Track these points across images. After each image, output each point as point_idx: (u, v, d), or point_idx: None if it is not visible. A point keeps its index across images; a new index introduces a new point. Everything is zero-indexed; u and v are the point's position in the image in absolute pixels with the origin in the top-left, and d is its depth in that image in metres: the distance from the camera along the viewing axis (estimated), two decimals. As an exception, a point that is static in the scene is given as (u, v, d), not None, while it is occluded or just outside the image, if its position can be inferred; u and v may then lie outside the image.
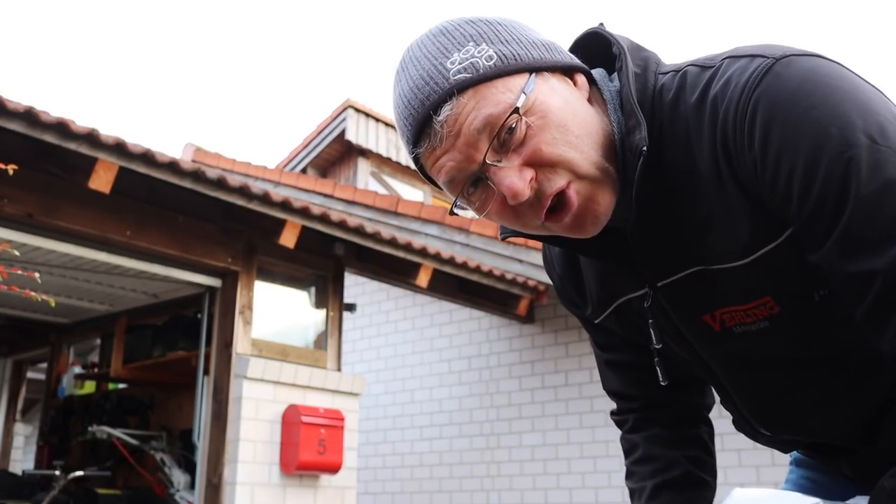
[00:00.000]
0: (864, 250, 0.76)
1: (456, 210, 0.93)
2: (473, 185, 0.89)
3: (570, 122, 0.88)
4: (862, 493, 1.09)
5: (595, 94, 0.96)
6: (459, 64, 0.86)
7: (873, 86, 0.84)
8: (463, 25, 0.90)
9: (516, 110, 0.85)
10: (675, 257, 0.95)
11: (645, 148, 0.87)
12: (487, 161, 0.86)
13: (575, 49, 1.01)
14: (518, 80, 0.87)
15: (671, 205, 0.92)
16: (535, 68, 0.88)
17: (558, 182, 0.87)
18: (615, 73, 0.97)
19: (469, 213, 0.94)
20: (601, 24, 1.01)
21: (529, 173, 0.86)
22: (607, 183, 0.90)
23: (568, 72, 0.93)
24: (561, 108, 0.88)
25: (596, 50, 1.00)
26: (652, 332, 1.02)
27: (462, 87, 0.85)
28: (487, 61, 0.86)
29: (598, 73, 0.99)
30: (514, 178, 0.86)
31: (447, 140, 0.86)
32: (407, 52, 0.92)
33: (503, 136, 0.86)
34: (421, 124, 0.87)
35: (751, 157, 0.83)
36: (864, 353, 0.92)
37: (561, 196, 0.88)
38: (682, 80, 0.91)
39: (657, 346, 1.02)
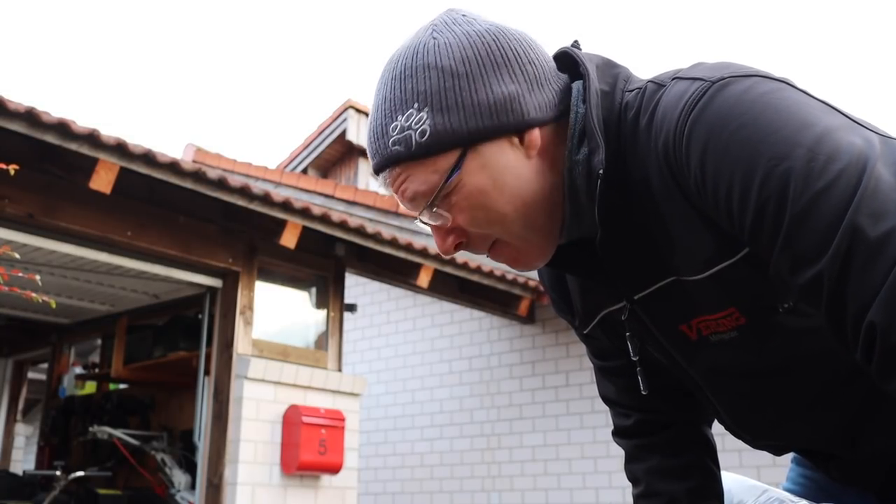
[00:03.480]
0: (807, 261, 0.75)
1: (418, 223, 1.01)
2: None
3: (495, 200, 0.92)
4: (860, 494, 1.10)
5: (551, 136, 0.95)
6: (398, 133, 0.91)
7: (817, 98, 0.83)
8: (419, 73, 0.91)
9: (433, 201, 0.92)
10: (648, 270, 0.96)
11: (601, 171, 0.89)
12: (421, 220, 0.96)
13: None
14: (447, 160, 0.91)
15: (639, 220, 0.93)
16: (469, 142, 0.90)
17: (483, 247, 0.97)
18: None
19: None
20: (575, 41, 1.02)
21: (456, 239, 0.96)
22: (535, 241, 0.97)
23: (519, 131, 0.92)
24: (484, 189, 0.92)
25: (572, 66, 1.00)
26: (630, 344, 1.04)
27: (395, 161, 0.92)
28: (420, 137, 0.90)
29: (576, 89, 0.98)
30: (440, 242, 0.97)
31: (391, 190, 0.97)
32: (381, 74, 0.97)
33: (432, 208, 0.94)
34: (374, 169, 0.97)
35: (692, 182, 0.84)
36: (835, 362, 0.92)
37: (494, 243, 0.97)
38: (640, 99, 0.92)
39: (634, 358, 1.04)
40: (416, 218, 0.97)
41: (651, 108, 0.90)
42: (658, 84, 0.92)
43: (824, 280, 0.74)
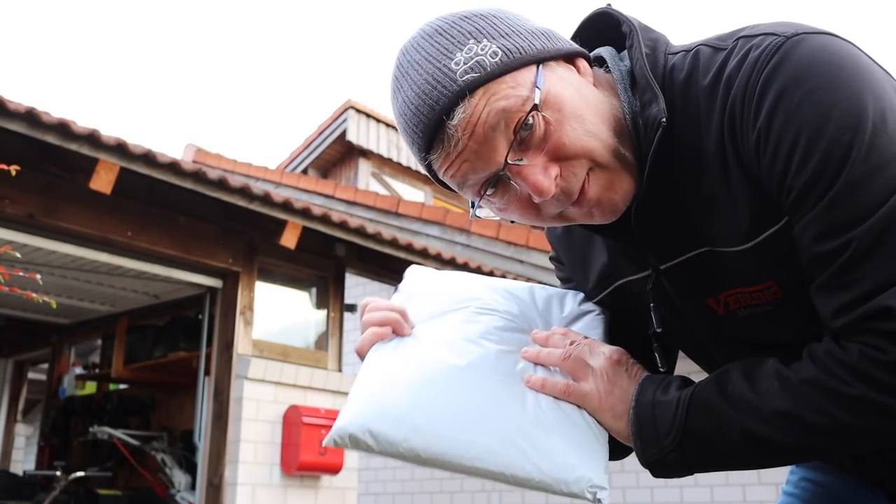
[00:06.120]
0: (842, 228, 0.78)
1: (478, 213, 0.92)
2: (492, 185, 0.87)
3: (585, 110, 0.87)
4: (866, 490, 1.09)
5: (599, 76, 0.95)
6: (465, 64, 0.83)
7: (881, 67, 0.85)
8: (458, 23, 0.87)
9: (535, 106, 0.83)
10: (680, 239, 0.93)
11: (664, 119, 0.87)
12: (509, 161, 0.85)
13: (581, 29, 1.01)
14: (526, 74, 0.85)
15: (677, 185, 0.91)
16: (541, 59, 0.87)
17: (582, 176, 0.87)
18: (624, 52, 0.97)
19: (490, 215, 0.93)
20: (609, 4, 1.00)
21: (555, 170, 0.85)
22: (625, 169, 0.89)
23: (569, 58, 0.91)
24: (573, 97, 0.87)
25: (602, 31, 0.99)
26: (653, 315, 1.00)
27: (472, 88, 0.83)
28: (493, 58, 0.84)
29: (606, 51, 0.98)
30: (541, 177, 0.85)
31: (462, 143, 0.84)
32: (403, 55, 0.89)
33: (521, 134, 0.84)
34: (433, 130, 0.85)
35: (755, 132, 0.83)
36: None
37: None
38: (694, 61, 0.91)
39: (658, 330, 1.00)
40: (502, 160, 0.84)
41: (717, 66, 0.88)
42: (714, 48, 0.90)
43: (852, 245, 0.77)
